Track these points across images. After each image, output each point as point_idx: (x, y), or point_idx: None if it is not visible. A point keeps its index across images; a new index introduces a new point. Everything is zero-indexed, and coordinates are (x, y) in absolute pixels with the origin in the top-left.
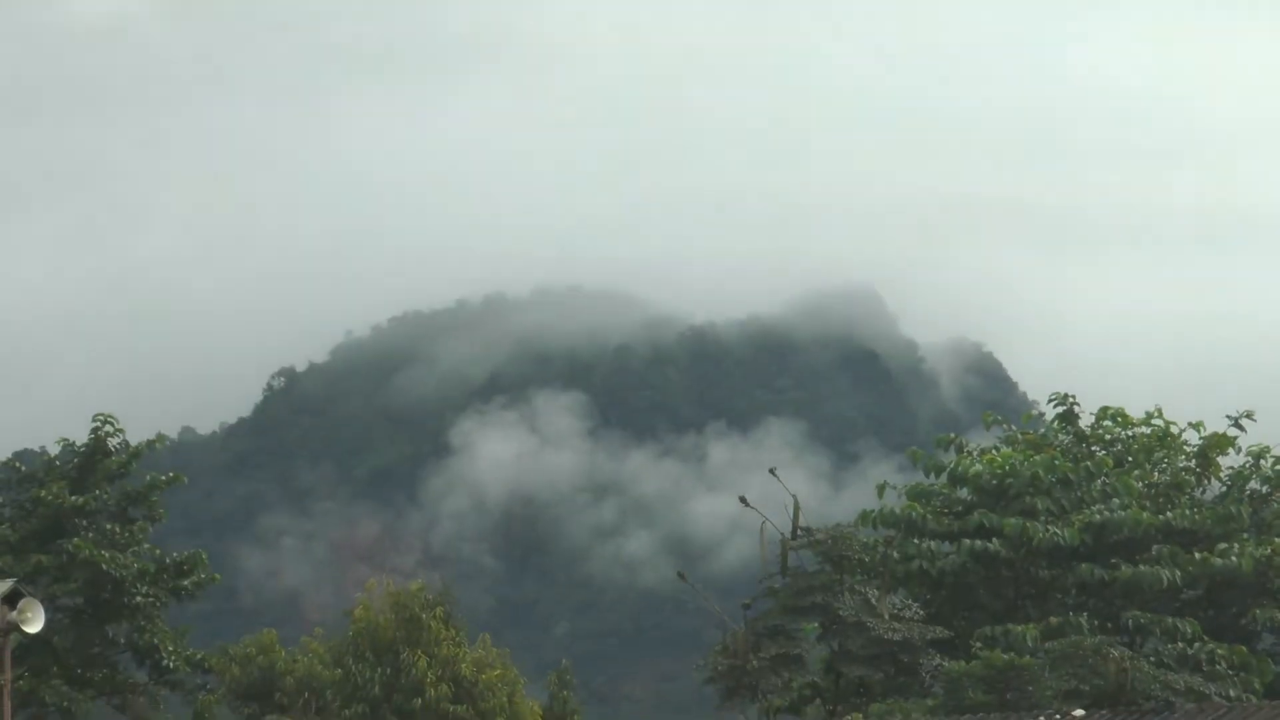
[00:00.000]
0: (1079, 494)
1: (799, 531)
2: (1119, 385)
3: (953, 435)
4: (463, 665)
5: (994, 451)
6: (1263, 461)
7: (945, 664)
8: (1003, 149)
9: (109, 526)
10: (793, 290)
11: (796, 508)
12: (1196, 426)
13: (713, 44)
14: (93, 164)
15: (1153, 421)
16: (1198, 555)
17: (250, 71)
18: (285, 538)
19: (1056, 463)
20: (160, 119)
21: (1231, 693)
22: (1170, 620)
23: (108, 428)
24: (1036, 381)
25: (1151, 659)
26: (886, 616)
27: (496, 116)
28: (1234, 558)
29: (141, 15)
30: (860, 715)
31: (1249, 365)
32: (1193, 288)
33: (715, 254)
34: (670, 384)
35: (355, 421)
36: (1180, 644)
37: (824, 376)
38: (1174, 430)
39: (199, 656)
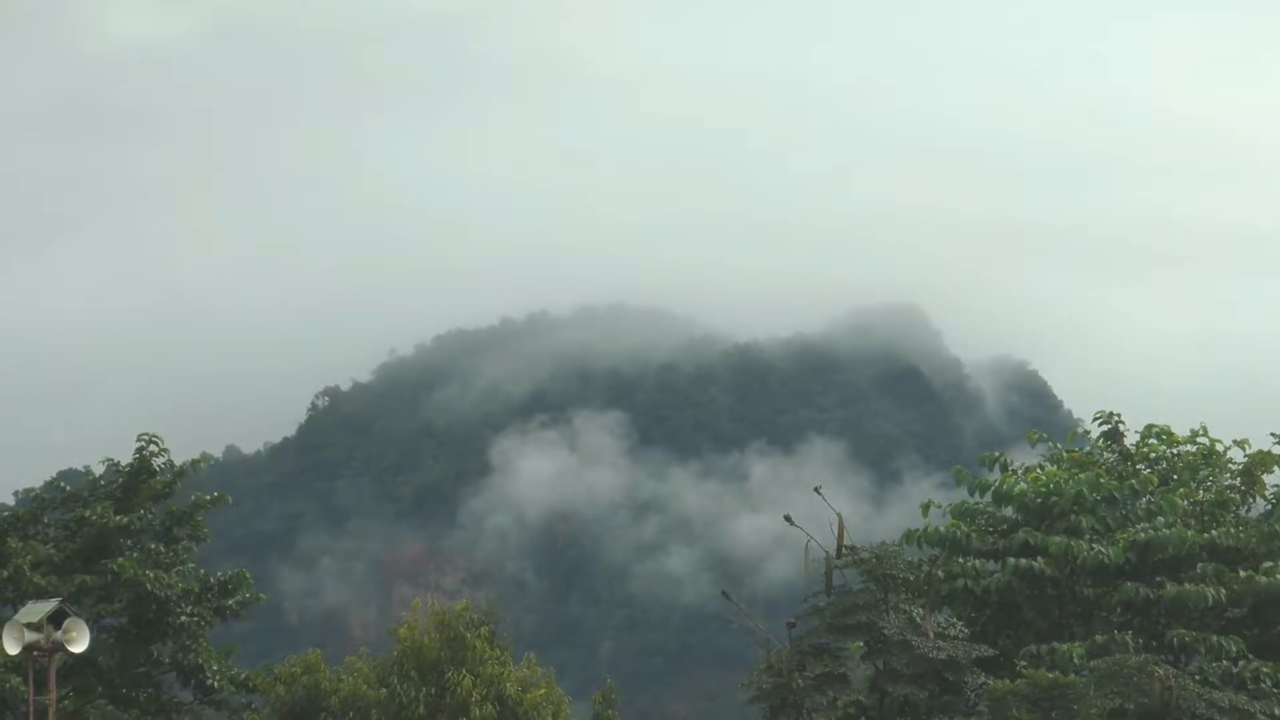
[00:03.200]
0: (1124, 512)
1: (843, 550)
2: (1162, 403)
3: (997, 453)
4: (508, 685)
5: (1039, 470)
6: None
7: (990, 683)
8: (1047, 175)
9: (153, 546)
10: (836, 308)
11: (841, 526)
12: (1241, 444)
13: (757, 71)
14: (138, 188)
15: (1198, 440)
16: (1243, 573)
17: (295, 97)
18: (328, 557)
19: (1101, 481)
20: (205, 144)
21: (1277, 711)
22: (1215, 638)
23: (152, 447)
24: (1081, 400)
25: (1196, 677)
26: (931, 635)
27: (541, 140)
28: (1279, 576)
29: (186, 42)
30: None
31: None
32: (1233, 307)
33: (759, 272)
34: (713, 402)
35: (398, 440)
36: (1225, 662)
37: (867, 394)
38: (1219, 448)
39: (243, 676)
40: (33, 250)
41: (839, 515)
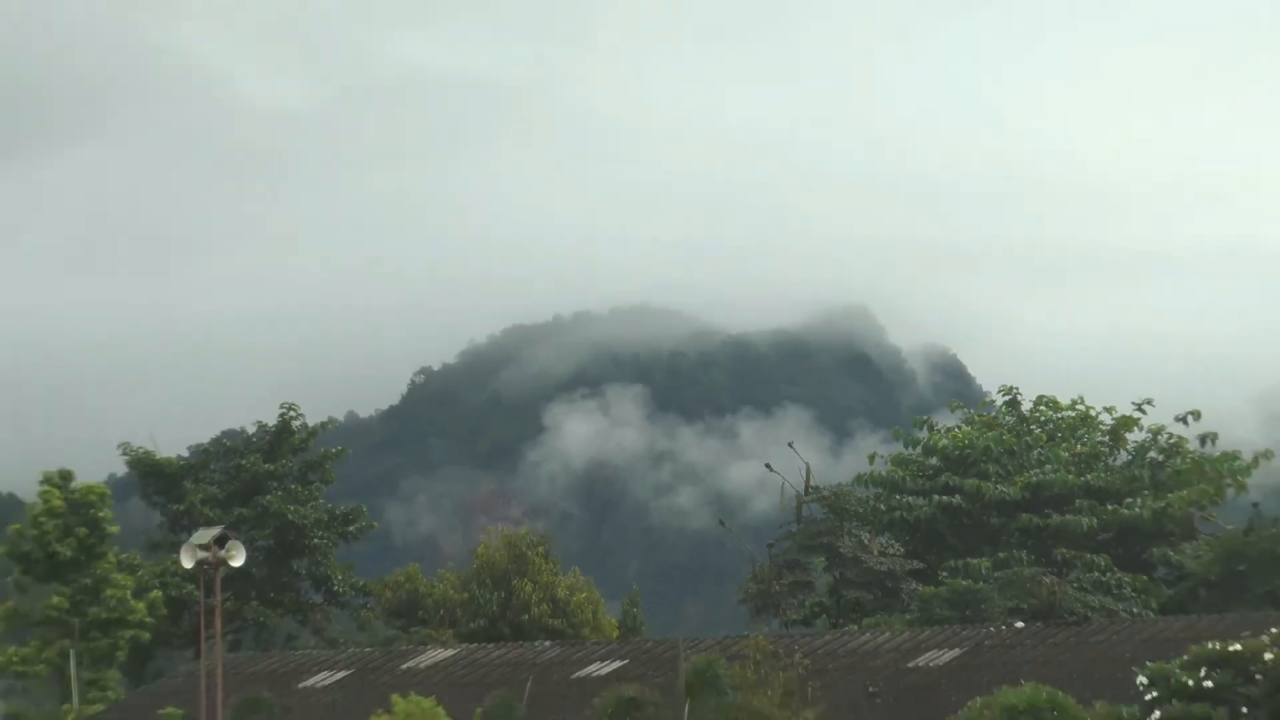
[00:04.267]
0: (1020, 461)
1: (810, 489)
2: (1056, 381)
3: (925, 418)
4: (559, 590)
5: (957, 430)
6: (1159, 437)
7: (920, 589)
8: (966, 204)
9: (293, 487)
10: (807, 308)
11: (808, 472)
12: (1109, 410)
13: (743, 120)
14: (277, 215)
15: (1076, 406)
16: (1110, 507)
17: (385, 148)
18: (423, 495)
19: (1004, 438)
20: (326, 175)
21: (1134, 610)
22: (1089, 556)
23: (291, 413)
24: (990, 377)
25: (1074, 585)
26: (875, 553)
27: (581, 180)
28: (1137, 509)
29: (308, 102)
30: (856, 627)
31: (1160, 367)
32: (1101, 309)
33: (748, 280)
34: (712, 379)
35: (475, 408)
36: (1096, 573)
37: (829, 374)
38: (1092, 413)
39: (361, 584)
40: (191, 263)
41: (806, 464)
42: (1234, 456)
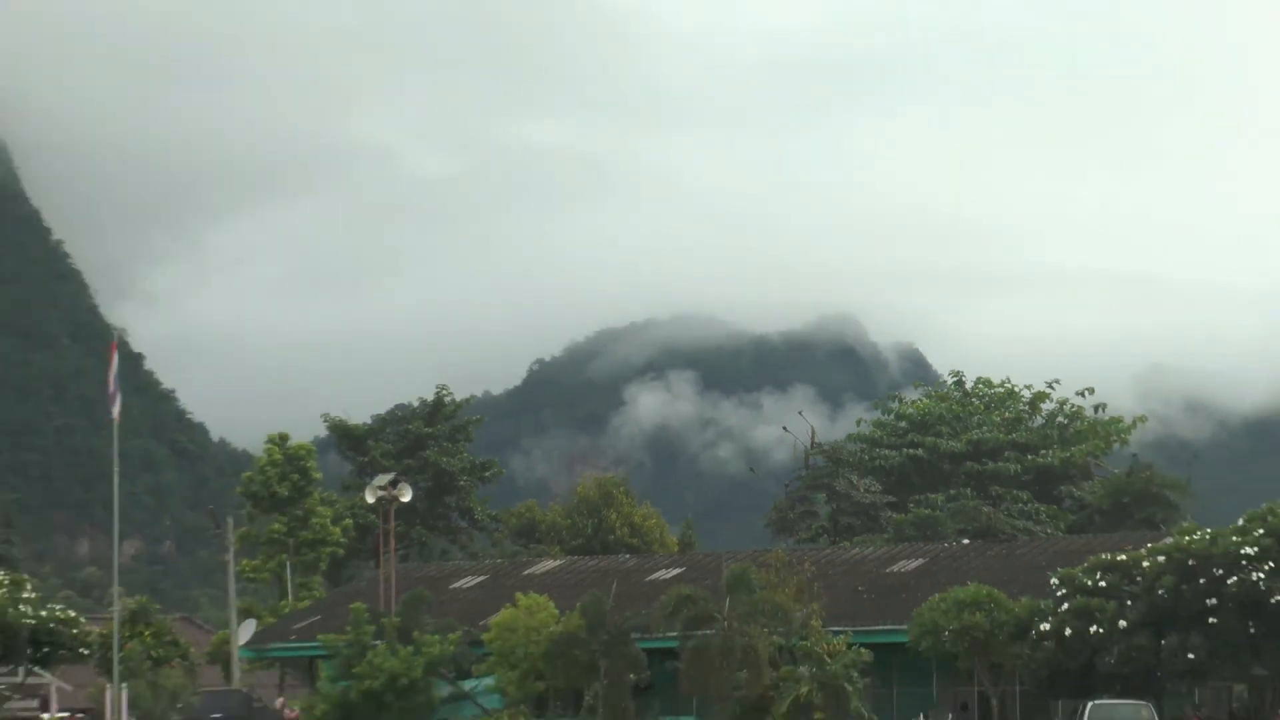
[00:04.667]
0: (964, 424)
1: (814, 445)
2: (990, 367)
3: (896, 394)
4: (635, 517)
5: (919, 402)
6: (1064, 407)
7: (893, 516)
8: (932, 231)
9: (445, 444)
10: (811, 314)
11: (813, 433)
12: (1029, 387)
13: (755, 163)
14: (429, 251)
15: (1005, 385)
16: (1029, 457)
17: (520, 198)
18: (538, 449)
19: (952, 408)
20: (466, 223)
21: (1048, 531)
22: (1015, 492)
23: (444, 392)
24: (943, 365)
25: (1004, 513)
26: (862, 490)
27: (651, 220)
28: (1049, 458)
29: (451, 170)
30: (848, 543)
31: (1064, 356)
32: (1037, 313)
33: (768, 294)
34: (742, 366)
35: (575, 388)
36: (1020, 505)
37: (827, 363)
38: (1016, 390)
39: (494, 513)
40: (373, 287)
41: (811, 428)
42: (1118, 420)
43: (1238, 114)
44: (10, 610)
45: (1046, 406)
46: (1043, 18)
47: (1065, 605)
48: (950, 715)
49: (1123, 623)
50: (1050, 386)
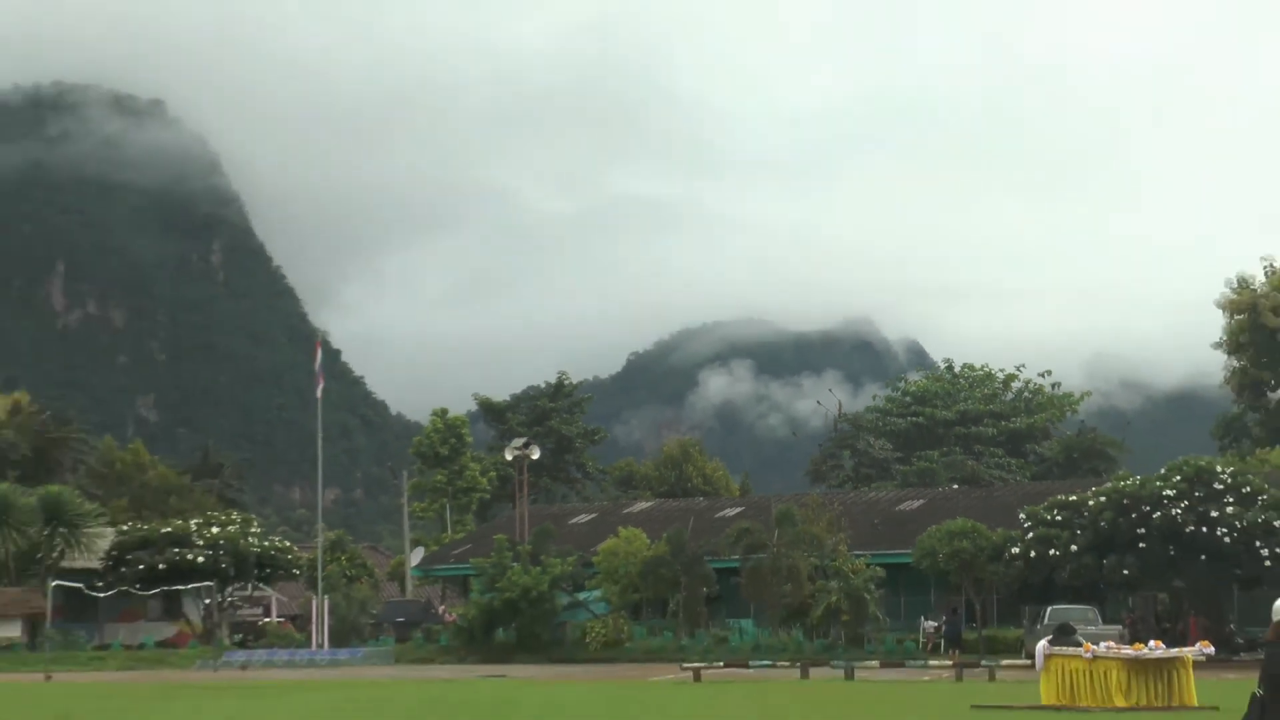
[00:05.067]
0: (954, 399)
1: (841, 415)
2: (974, 355)
3: (903, 377)
4: (707, 469)
5: (919, 382)
6: (1029, 385)
7: (901, 468)
8: (932, 255)
9: (565, 415)
10: (838, 317)
11: (840, 406)
12: (1002, 370)
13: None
14: (547, 273)
15: (984, 369)
16: (1003, 423)
17: (616, 233)
18: (635, 420)
19: (945, 387)
20: (577, 251)
21: (1018, 479)
22: (992, 449)
23: (563, 376)
24: (939, 355)
25: (984, 465)
26: (877, 449)
27: (716, 249)
28: (1018, 424)
29: (566, 209)
30: (867, 489)
31: (1027, 346)
32: (1009, 314)
33: (807, 300)
34: (786, 356)
35: (662, 373)
36: (996, 459)
37: (850, 354)
38: (993, 372)
39: (601, 468)
40: (510, 299)
41: (839, 401)
42: (1069, 395)
43: (1151, 159)
44: (241, 541)
45: (1015, 385)
46: (996, 92)
47: (1030, 534)
48: (944, 617)
49: (1074, 547)
50: (1018, 370)
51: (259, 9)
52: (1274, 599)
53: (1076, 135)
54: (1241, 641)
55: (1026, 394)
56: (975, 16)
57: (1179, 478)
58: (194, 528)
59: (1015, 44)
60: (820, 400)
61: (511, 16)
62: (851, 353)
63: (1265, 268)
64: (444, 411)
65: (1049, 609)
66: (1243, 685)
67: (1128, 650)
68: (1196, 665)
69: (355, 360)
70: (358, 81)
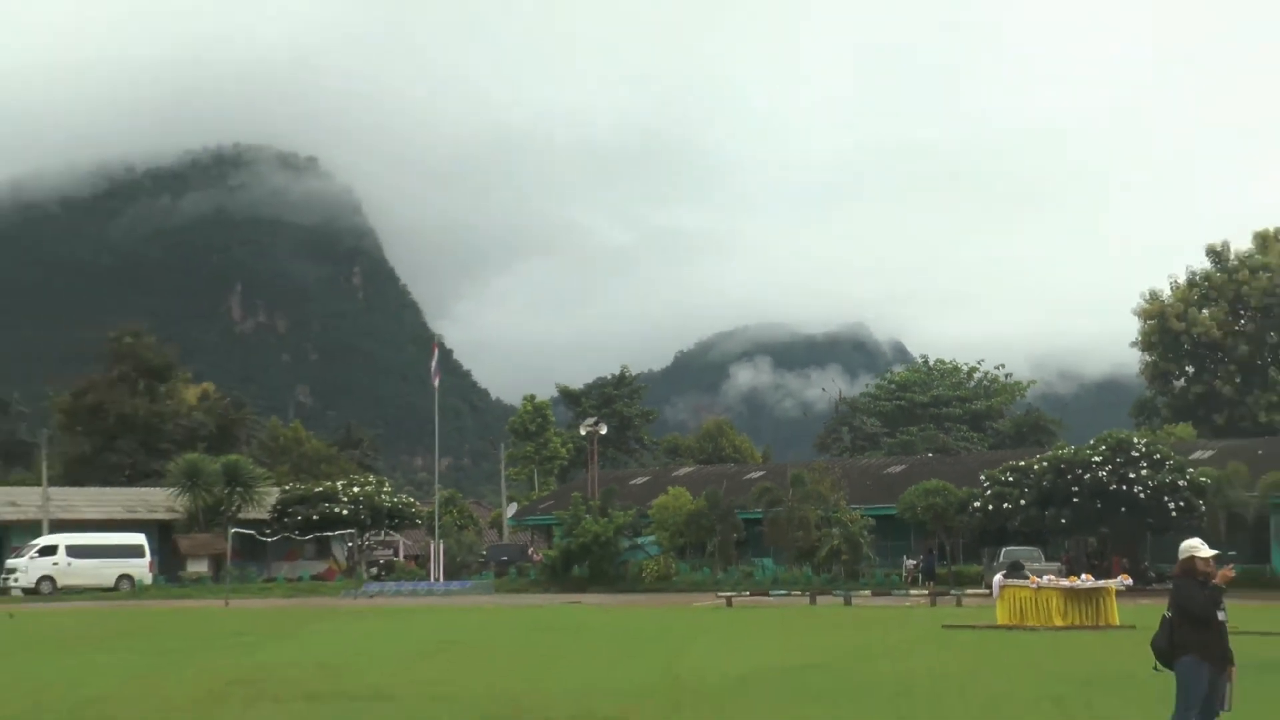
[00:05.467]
0: (929, 386)
1: (841, 400)
2: (945, 352)
3: (889, 370)
4: (737, 442)
5: (902, 374)
6: (987, 375)
7: (888, 440)
8: (909, 264)
9: (627, 400)
10: (837, 322)
11: (840, 393)
12: (966, 364)
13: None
14: (621, 291)
15: (952, 363)
16: (967, 405)
17: (678, 253)
18: (682, 403)
19: (922, 378)
20: (640, 272)
21: (978, 448)
22: (959, 425)
23: (625, 370)
24: (918, 351)
25: (952, 438)
26: (869, 426)
27: (751, 272)
28: (978, 406)
29: (622, 239)
30: (862, 457)
31: (986, 347)
32: (970, 321)
33: (813, 308)
34: (797, 354)
35: (701, 366)
36: (961, 433)
37: (851, 353)
38: (960, 366)
39: (655, 440)
40: (584, 309)
41: (840, 389)
42: (1020, 383)
43: (1086, 198)
44: (376, 498)
45: (977, 375)
46: (963, 142)
47: (989, 492)
48: (922, 556)
49: (1022, 502)
50: (979, 364)
51: (393, 82)
52: (1179, 542)
53: (1029, 177)
54: (1154, 575)
55: (985, 382)
56: (951, 84)
57: (1104, 447)
58: (340, 488)
59: (976, 103)
60: (825, 388)
61: (586, 78)
62: (851, 350)
63: (1170, 283)
64: (533, 397)
65: (1003, 550)
66: (1154, 609)
67: (1064, 582)
68: (1119, 594)
69: (464, 358)
70: (467, 139)
